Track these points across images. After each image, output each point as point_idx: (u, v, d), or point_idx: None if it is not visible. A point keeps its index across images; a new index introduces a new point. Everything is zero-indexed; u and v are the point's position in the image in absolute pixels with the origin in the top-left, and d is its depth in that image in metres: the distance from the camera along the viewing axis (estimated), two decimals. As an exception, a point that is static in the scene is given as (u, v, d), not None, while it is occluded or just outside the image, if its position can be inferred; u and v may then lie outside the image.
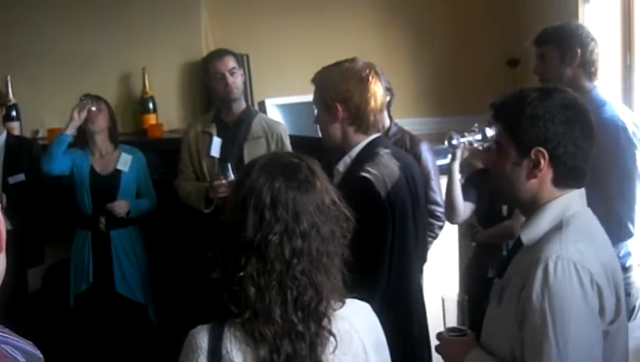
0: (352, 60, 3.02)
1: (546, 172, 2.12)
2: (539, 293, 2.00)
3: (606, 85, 3.56)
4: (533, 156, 2.11)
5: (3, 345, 1.14)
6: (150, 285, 4.85)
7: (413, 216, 2.97)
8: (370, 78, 2.95)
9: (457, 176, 3.69)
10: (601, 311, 2.05)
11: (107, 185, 4.71)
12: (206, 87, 5.07)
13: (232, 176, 4.12)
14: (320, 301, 1.88)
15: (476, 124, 3.60)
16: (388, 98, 3.94)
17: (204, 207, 4.36)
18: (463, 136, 3.52)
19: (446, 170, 3.97)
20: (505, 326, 2.12)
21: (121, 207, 4.67)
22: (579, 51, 3.42)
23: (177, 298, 4.98)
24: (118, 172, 4.76)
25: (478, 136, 3.49)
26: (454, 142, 3.55)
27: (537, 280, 2.00)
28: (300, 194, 1.89)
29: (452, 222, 3.95)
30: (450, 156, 3.67)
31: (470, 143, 3.55)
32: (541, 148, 2.10)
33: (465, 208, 3.78)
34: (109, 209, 4.65)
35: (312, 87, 3.07)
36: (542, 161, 2.10)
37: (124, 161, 4.77)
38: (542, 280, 2.00)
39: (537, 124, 2.09)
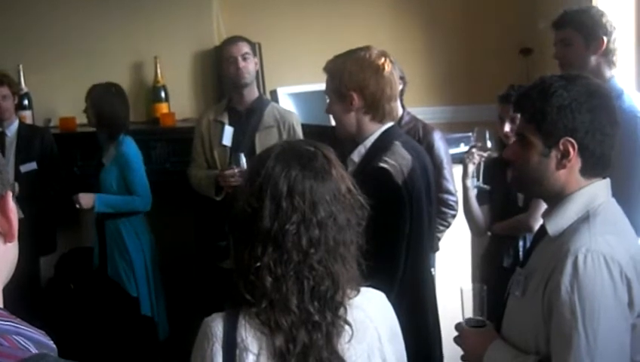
0: (367, 49, 2.99)
1: (575, 162, 2.10)
2: (568, 286, 1.97)
3: (621, 74, 3.51)
4: (561, 147, 2.08)
5: (15, 336, 1.13)
6: (147, 279, 4.77)
7: (426, 206, 2.96)
8: (386, 67, 2.94)
9: (473, 197, 3.83)
10: (630, 304, 2.02)
11: (92, 178, 4.74)
12: (220, 75, 5.07)
13: (244, 166, 4.12)
14: (336, 290, 1.87)
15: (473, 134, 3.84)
16: (401, 87, 3.92)
17: (214, 195, 4.37)
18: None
19: (458, 160, 3.98)
20: (529, 317, 2.11)
21: (78, 199, 4.58)
22: (605, 39, 3.36)
23: (191, 290, 4.99)
24: (102, 165, 4.75)
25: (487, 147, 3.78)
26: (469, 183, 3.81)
27: (567, 273, 1.98)
28: (316, 183, 1.87)
29: (479, 236, 4.05)
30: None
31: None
32: (570, 138, 2.07)
33: (482, 214, 3.88)
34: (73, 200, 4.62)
35: (325, 76, 3.05)
36: (571, 151, 2.08)
37: (109, 155, 4.72)
38: (571, 273, 1.98)
39: (565, 114, 2.06)
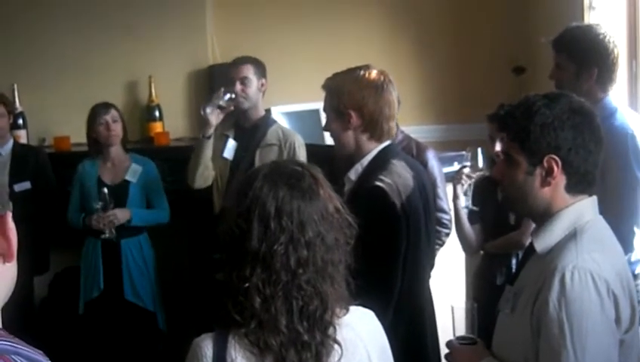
0: (366, 67, 2.99)
1: (559, 179, 2.12)
2: (556, 303, 1.99)
3: (613, 93, 3.52)
4: (545, 164, 2.11)
5: (13, 356, 1.14)
6: (159, 293, 4.83)
7: (425, 224, 2.96)
8: (385, 86, 2.94)
9: (464, 216, 3.85)
10: (617, 320, 2.04)
11: (115, 195, 4.65)
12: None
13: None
14: (325, 310, 1.87)
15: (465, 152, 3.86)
16: (395, 105, 3.94)
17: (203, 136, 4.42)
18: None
19: (452, 178, 3.99)
20: (518, 334, 2.12)
21: (116, 216, 4.60)
22: (596, 71, 3.33)
23: (187, 303, 4.98)
24: (126, 182, 4.73)
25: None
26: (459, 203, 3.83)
27: (554, 290, 2.00)
28: (304, 203, 1.88)
29: (471, 255, 4.06)
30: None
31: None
32: (553, 156, 2.10)
33: (474, 233, 3.89)
34: (111, 218, 4.59)
35: (317, 95, 3.06)
36: (555, 168, 2.10)
37: (134, 172, 4.74)
38: (559, 290, 2.00)
39: (548, 132, 2.09)
